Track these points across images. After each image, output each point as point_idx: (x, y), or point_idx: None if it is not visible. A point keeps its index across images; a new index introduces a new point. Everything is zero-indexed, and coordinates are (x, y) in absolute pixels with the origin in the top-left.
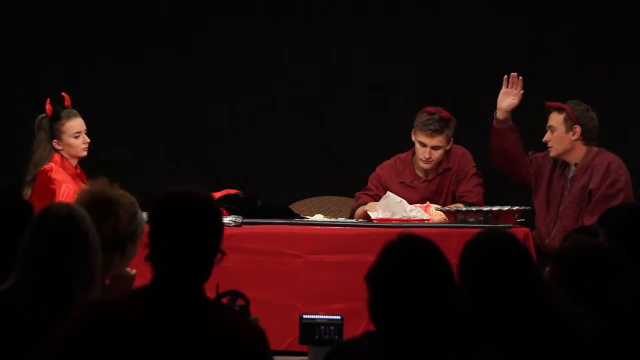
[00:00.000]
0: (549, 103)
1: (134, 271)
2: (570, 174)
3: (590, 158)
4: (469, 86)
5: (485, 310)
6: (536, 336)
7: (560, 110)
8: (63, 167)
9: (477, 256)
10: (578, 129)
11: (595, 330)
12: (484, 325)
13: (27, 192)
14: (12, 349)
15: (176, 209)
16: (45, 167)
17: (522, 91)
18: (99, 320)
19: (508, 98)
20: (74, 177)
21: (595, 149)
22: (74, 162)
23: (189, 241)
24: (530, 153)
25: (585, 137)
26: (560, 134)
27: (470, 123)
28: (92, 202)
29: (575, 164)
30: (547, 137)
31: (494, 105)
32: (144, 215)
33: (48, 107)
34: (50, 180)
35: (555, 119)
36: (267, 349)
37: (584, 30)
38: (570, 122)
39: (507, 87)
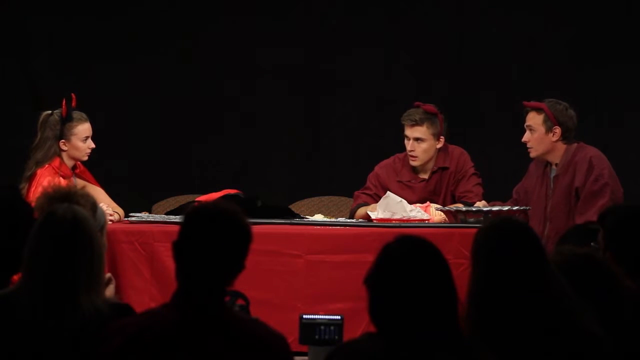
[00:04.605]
0: (526, 103)
1: (108, 274)
2: (553, 173)
3: (570, 155)
4: (469, 86)
5: (495, 296)
6: (541, 326)
7: (539, 110)
8: (59, 170)
9: (491, 241)
10: (558, 130)
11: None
12: (492, 315)
13: (24, 187)
14: (18, 351)
15: (207, 225)
16: (43, 169)
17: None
18: (132, 342)
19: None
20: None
21: (575, 144)
22: (71, 163)
23: (218, 257)
24: (514, 191)
25: (565, 137)
26: (540, 135)
27: (469, 123)
28: (53, 196)
29: (557, 164)
30: (527, 137)
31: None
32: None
33: (64, 107)
34: (39, 183)
35: (534, 120)
36: (291, 356)
37: (583, 29)
38: (549, 123)
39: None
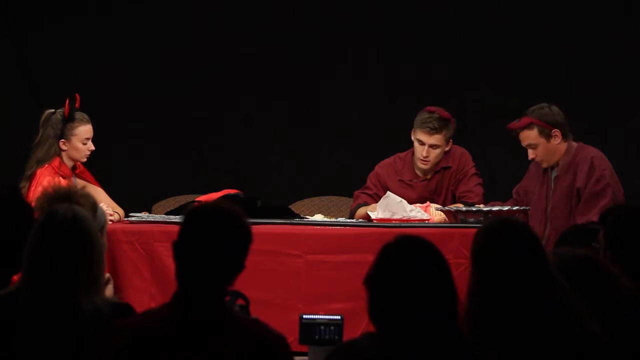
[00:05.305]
0: (512, 125)
1: (107, 274)
2: (554, 174)
3: (571, 155)
4: (469, 85)
5: (495, 296)
6: (541, 326)
7: (529, 126)
8: (59, 170)
9: (492, 241)
10: (557, 131)
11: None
12: (492, 315)
13: (25, 186)
14: (18, 351)
15: (207, 225)
16: (43, 169)
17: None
18: (132, 342)
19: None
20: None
21: (575, 144)
22: (71, 164)
23: (218, 257)
24: (514, 192)
25: (564, 134)
26: (544, 147)
27: (469, 123)
28: (53, 196)
29: (557, 164)
30: (532, 154)
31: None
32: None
33: (66, 107)
34: (39, 183)
35: (530, 137)
36: (291, 356)
37: (583, 29)
38: (546, 130)
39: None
